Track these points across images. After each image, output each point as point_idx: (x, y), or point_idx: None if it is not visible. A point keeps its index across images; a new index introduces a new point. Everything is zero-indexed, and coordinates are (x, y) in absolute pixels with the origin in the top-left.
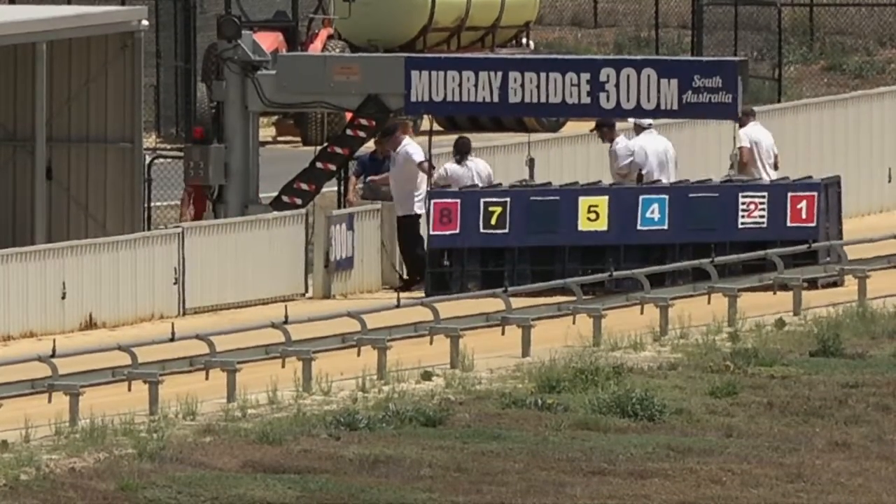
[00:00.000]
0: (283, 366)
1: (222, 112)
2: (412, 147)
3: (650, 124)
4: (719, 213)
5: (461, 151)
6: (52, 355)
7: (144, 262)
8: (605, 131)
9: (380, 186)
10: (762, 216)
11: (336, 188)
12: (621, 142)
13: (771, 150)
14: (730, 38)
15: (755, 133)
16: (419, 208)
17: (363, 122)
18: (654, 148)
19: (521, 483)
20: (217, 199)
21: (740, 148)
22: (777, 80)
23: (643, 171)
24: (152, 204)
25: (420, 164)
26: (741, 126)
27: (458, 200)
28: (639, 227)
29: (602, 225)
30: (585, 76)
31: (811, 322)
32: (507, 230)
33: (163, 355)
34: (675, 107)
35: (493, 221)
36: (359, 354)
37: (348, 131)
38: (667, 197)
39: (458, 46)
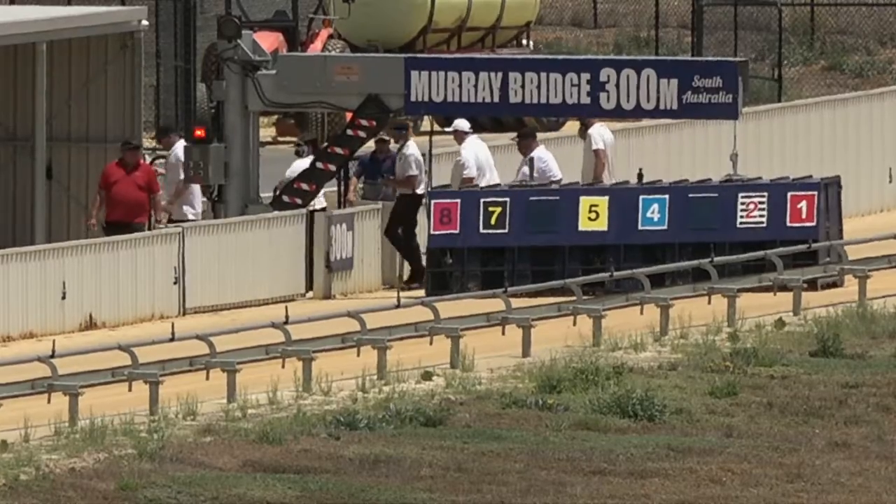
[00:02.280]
0: (283, 366)
1: (222, 112)
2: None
3: (471, 128)
4: (719, 213)
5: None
6: (52, 355)
7: (144, 262)
8: (402, 133)
9: (381, 187)
10: (762, 216)
11: (336, 188)
12: (466, 151)
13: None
14: (730, 39)
15: (604, 133)
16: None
17: (363, 122)
18: (485, 153)
19: (522, 483)
20: (217, 199)
21: (596, 151)
22: (777, 80)
23: (473, 177)
24: None
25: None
26: (588, 127)
27: (458, 200)
28: (639, 227)
29: (602, 225)
30: (585, 76)
31: (811, 322)
32: (507, 230)
33: (163, 355)
34: (675, 107)
35: (493, 221)
36: (358, 354)
37: (348, 131)
38: (667, 197)
39: (459, 47)
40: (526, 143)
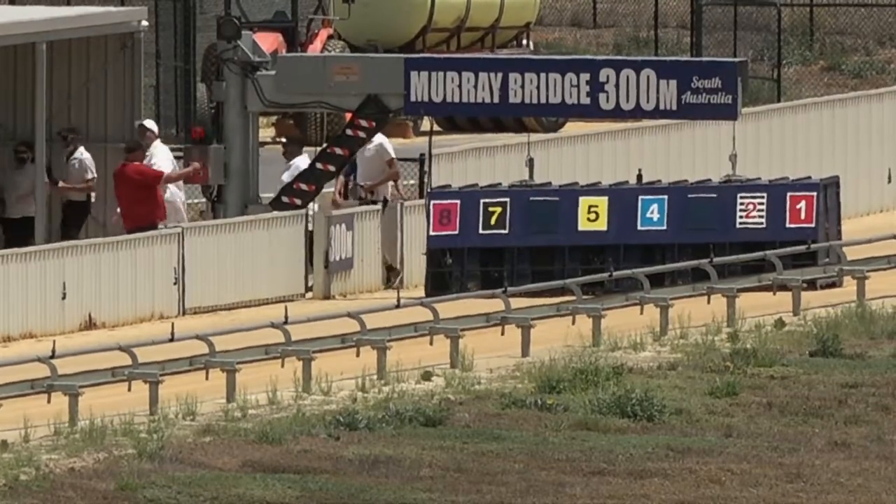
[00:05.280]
0: (282, 366)
1: (222, 112)
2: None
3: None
4: (718, 214)
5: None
6: (52, 356)
7: (144, 263)
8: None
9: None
10: (761, 216)
11: (336, 188)
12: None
13: None
14: (729, 39)
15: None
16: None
17: (363, 122)
18: (169, 156)
19: (521, 483)
20: (217, 199)
21: (391, 160)
22: (776, 80)
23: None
24: None
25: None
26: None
27: (458, 201)
28: (638, 228)
29: (602, 225)
30: (585, 77)
31: (810, 322)
32: (506, 230)
33: (163, 355)
34: (675, 107)
35: (492, 221)
36: (358, 354)
37: (348, 132)
38: (666, 197)
39: (458, 47)
40: (291, 150)
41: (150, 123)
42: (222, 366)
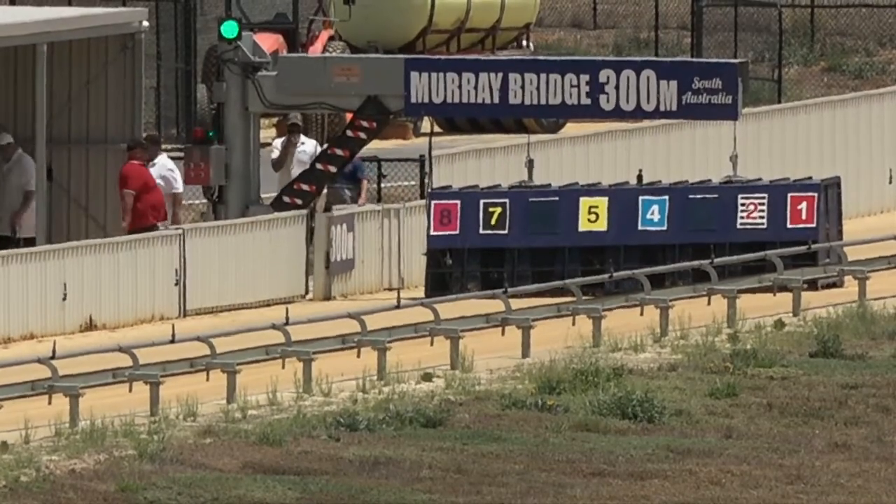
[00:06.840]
0: (283, 367)
1: (222, 113)
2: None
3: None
4: (719, 214)
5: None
6: (53, 357)
7: (145, 264)
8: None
9: (344, 191)
10: (762, 217)
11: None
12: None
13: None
14: (730, 40)
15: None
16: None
17: (363, 123)
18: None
19: (521, 484)
20: (218, 200)
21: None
22: (777, 81)
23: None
24: None
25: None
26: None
27: (458, 201)
28: (639, 228)
29: (602, 226)
30: (585, 77)
31: (811, 323)
32: (506, 231)
33: (163, 357)
34: (675, 108)
35: (492, 222)
36: (359, 355)
37: (348, 132)
38: (666, 198)
39: (458, 48)
40: (152, 151)
41: (6, 137)
42: (223, 367)
